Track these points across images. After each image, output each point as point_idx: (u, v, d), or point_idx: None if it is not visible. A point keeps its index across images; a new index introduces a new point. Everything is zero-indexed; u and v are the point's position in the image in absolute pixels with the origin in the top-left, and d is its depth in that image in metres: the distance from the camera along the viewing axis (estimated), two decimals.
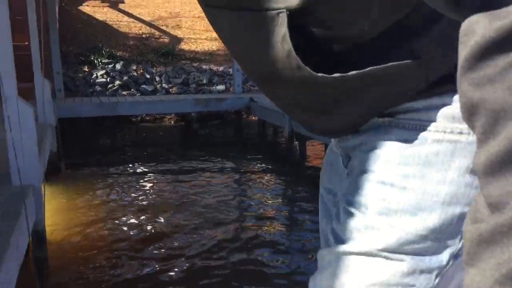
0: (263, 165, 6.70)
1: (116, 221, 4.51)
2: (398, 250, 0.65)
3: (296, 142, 7.00)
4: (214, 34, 10.56)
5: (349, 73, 0.61)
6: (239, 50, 0.72)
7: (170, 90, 9.79)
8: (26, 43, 6.91)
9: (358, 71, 0.61)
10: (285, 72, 0.63)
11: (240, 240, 4.11)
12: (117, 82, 9.52)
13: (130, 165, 6.56)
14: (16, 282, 2.43)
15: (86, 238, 4.09)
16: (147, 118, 9.40)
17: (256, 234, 4.23)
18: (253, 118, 9.57)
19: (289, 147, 7.05)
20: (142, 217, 4.63)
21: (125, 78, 9.64)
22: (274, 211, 4.88)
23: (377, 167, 0.68)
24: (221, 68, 10.69)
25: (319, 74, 0.61)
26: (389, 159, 0.67)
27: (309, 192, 5.51)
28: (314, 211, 4.90)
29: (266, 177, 6.12)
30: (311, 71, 0.61)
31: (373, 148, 0.69)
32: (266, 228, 4.40)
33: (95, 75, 9.55)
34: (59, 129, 6.32)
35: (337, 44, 0.65)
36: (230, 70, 10.27)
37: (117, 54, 10.37)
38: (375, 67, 0.61)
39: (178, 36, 11.68)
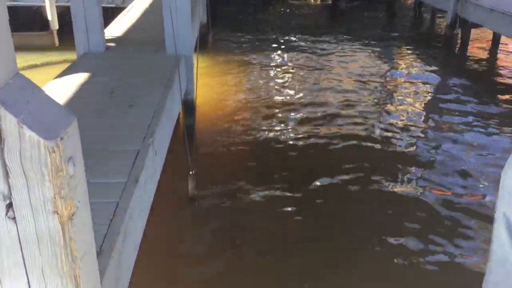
0: (417, 51, 6.13)
1: (255, 92, 4.63)
2: None
3: (459, 29, 6.16)
4: None
5: None
6: None
7: None
8: None
9: None
10: None
11: (375, 127, 3.94)
12: None
13: (273, 40, 6.52)
14: (169, 142, 2.63)
15: (228, 106, 4.29)
16: None
17: (395, 122, 4.00)
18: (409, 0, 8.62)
19: (450, 34, 6.26)
20: (280, 90, 4.68)
21: None
22: (422, 106, 4.52)
23: None
24: None
25: None
26: None
27: (468, 85, 4.95)
28: (470, 105, 4.42)
29: (418, 65, 5.61)
30: None
31: None
32: (408, 117, 4.12)
33: None
34: (209, 2, 6.39)
35: None
36: None
37: None
38: None
39: None
